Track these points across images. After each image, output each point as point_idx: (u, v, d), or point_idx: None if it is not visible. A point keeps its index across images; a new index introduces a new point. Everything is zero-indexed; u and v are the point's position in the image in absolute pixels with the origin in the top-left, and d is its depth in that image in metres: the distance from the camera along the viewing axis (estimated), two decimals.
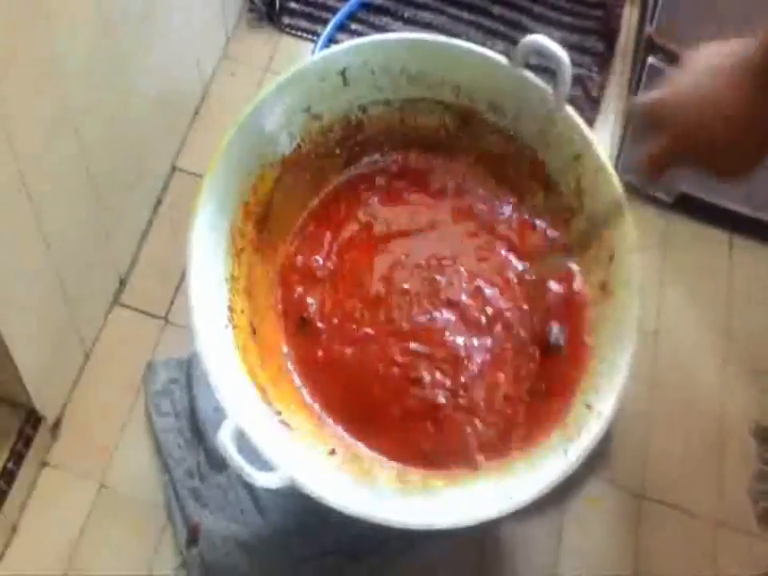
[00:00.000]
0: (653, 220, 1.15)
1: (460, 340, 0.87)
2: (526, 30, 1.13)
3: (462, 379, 0.86)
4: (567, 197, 0.88)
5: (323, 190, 0.94)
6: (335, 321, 0.88)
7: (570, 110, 0.86)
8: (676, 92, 0.59)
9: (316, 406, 0.84)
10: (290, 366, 0.86)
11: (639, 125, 0.63)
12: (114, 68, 0.89)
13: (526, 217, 0.92)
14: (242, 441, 0.71)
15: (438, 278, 0.90)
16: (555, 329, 0.85)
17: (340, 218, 0.93)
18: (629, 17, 1.29)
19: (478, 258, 0.91)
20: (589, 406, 0.79)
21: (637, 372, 0.79)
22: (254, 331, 0.85)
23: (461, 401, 0.86)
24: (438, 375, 0.86)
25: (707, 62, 0.58)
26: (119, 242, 1.04)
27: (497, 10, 1.28)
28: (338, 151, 0.94)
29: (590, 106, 1.21)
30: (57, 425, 0.98)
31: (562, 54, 0.81)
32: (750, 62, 0.55)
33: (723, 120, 0.56)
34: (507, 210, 0.93)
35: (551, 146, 0.89)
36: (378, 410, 0.85)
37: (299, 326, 0.88)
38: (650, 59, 1.06)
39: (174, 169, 1.13)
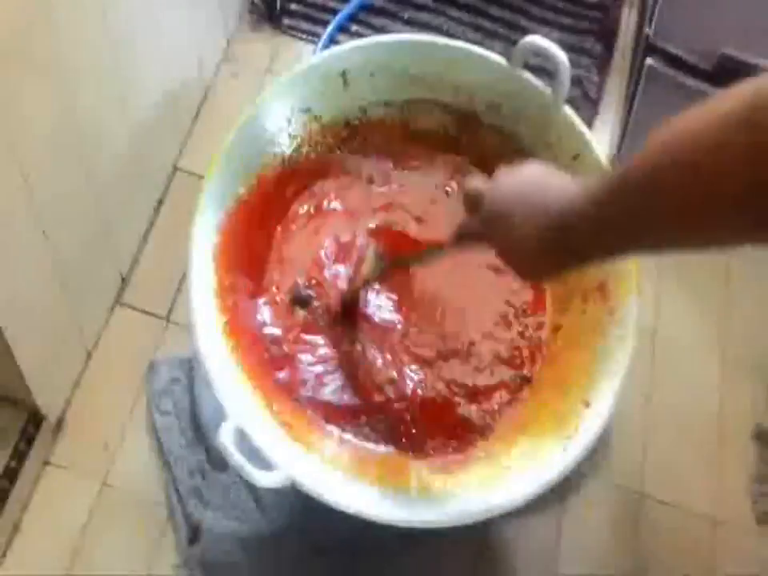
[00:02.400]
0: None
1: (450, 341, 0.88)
2: (525, 32, 1.13)
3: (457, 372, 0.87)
4: None
5: (323, 191, 0.95)
6: None
7: (568, 110, 0.86)
8: (502, 193, 0.62)
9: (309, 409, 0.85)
10: None
11: (463, 202, 0.67)
12: (116, 68, 0.89)
13: None
14: (243, 440, 0.71)
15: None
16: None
17: (339, 219, 0.94)
18: (627, 18, 1.29)
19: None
20: (588, 405, 0.79)
21: (636, 371, 0.79)
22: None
23: (457, 397, 0.86)
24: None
25: (526, 186, 0.60)
26: (121, 242, 1.04)
27: (496, 11, 1.28)
28: (338, 152, 0.95)
29: (588, 107, 1.21)
30: (59, 424, 0.98)
31: (561, 55, 0.82)
32: (555, 218, 0.56)
33: (527, 243, 0.59)
34: None
35: (550, 146, 0.89)
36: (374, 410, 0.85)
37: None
38: (649, 60, 1.06)
39: (175, 169, 1.13)
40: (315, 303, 0.88)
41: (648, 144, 0.48)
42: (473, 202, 0.64)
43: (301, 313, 0.88)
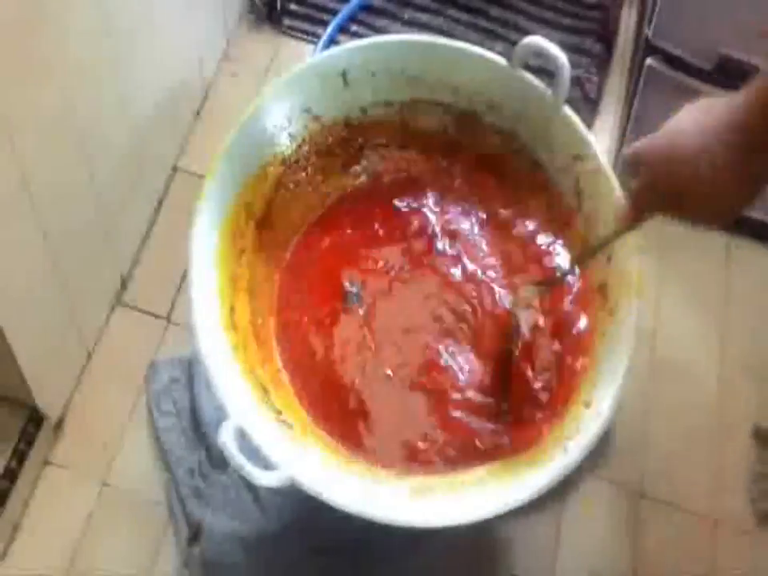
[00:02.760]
0: (651, 221, 1.15)
1: (449, 348, 0.88)
2: (525, 32, 1.13)
3: (458, 377, 0.87)
4: (566, 197, 0.89)
5: (323, 191, 0.95)
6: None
7: (568, 111, 0.86)
8: (657, 143, 0.61)
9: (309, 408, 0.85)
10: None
11: (624, 170, 0.66)
12: (115, 69, 0.89)
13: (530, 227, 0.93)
14: (243, 440, 0.71)
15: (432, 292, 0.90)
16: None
17: (340, 221, 0.94)
18: (627, 18, 1.29)
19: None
20: (588, 405, 0.79)
21: (636, 372, 0.79)
22: (255, 331, 0.85)
23: (457, 398, 0.86)
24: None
25: (695, 117, 0.59)
26: (121, 242, 1.04)
27: (495, 11, 1.28)
28: (338, 152, 0.95)
29: (588, 108, 1.21)
30: (59, 424, 0.98)
31: (561, 56, 0.82)
32: (736, 122, 0.56)
33: (706, 173, 0.57)
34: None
35: (550, 146, 0.89)
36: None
37: None
38: (649, 61, 1.06)
39: (175, 169, 1.13)
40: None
41: None
42: (636, 160, 0.62)
43: (356, 309, 0.87)
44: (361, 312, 0.88)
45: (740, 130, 0.55)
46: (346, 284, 0.89)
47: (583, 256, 0.85)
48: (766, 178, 0.58)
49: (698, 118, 0.58)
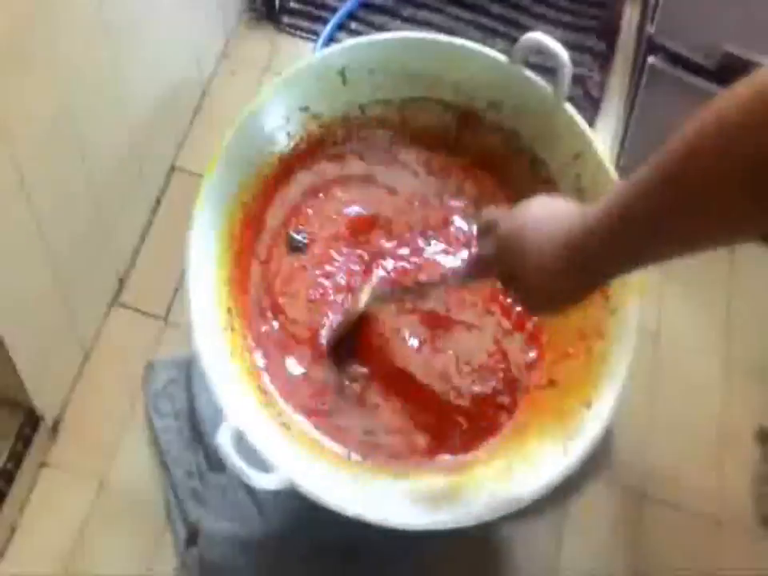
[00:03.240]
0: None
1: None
2: (526, 29, 1.12)
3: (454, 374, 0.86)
4: (567, 195, 0.88)
5: (322, 190, 0.94)
6: None
7: (570, 108, 0.86)
8: (511, 224, 0.62)
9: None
10: None
11: (479, 229, 0.69)
12: (114, 67, 0.89)
13: None
14: (241, 442, 0.71)
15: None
16: None
17: (336, 219, 0.93)
18: (629, 16, 1.29)
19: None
20: (589, 407, 0.79)
21: (637, 372, 0.79)
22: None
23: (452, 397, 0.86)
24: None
25: (551, 214, 0.61)
26: (118, 242, 1.04)
27: (496, 8, 1.28)
28: (337, 151, 0.94)
29: (590, 106, 1.20)
30: (56, 425, 0.97)
31: (562, 53, 0.81)
32: (569, 236, 0.57)
33: (537, 272, 0.59)
34: None
35: (551, 144, 0.88)
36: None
37: None
38: (651, 58, 1.06)
39: (173, 168, 1.13)
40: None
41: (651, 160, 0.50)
42: (487, 228, 0.65)
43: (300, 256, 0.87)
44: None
45: (577, 250, 0.56)
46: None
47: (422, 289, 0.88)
48: (589, 292, 0.60)
49: (552, 218, 0.60)
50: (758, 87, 0.43)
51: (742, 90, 0.44)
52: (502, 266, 0.64)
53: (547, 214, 0.60)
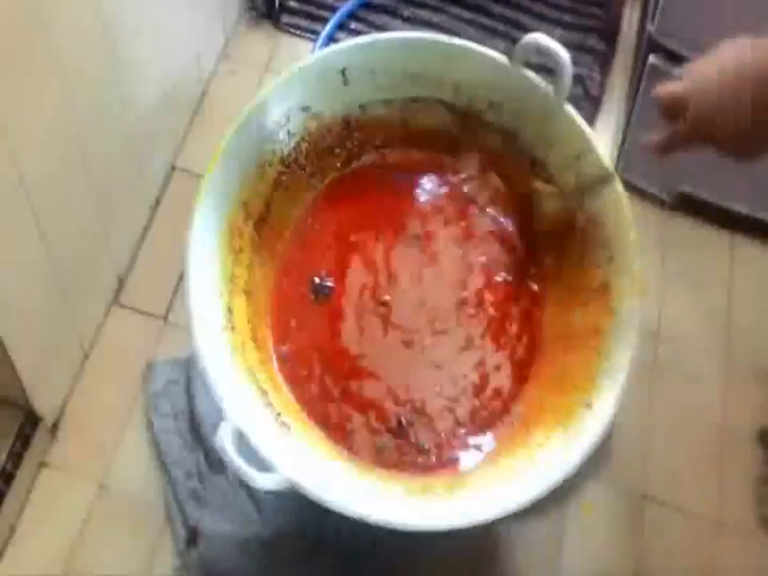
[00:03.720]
0: (653, 220, 1.15)
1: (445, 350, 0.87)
2: (527, 29, 1.13)
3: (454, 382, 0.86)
4: (567, 196, 0.88)
5: (322, 191, 0.94)
6: None
7: (570, 108, 0.86)
8: (700, 79, 0.64)
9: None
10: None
11: (660, 110, 0.68)
12: (113, 67, 0.89)
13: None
14: (241, 442, 0.71)
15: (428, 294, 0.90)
16: None
17: (338, 220, 0.93)
18: (630, 16, 1.29)
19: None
20: (589, 407, 0.78)
21: (637, 372, 0.79)
22: (253, 332, 0.85)
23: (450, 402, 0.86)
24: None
25: (734, 57, 0.62)
26: (118, 242, 1.04)
27: (497, 8, 1.28)
28: (337, 150, 0.94)
29: (590, 105, 1.20)
30: (55, 426, 0.97)
31: (563, 53, 0.81)
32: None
33: (744, 111, 0.60)
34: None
35: (551, 145, 0.88)
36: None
37: None
38: (651, 58, 1.06)
39: (173, 168, 1.13)
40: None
41: None
42: (675, 108, 0.64)
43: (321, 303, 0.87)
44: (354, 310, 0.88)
45: None
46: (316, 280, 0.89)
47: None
48: None
49: (739, 58, 0.62)
50: None
51: None
52: (705, 134, 0.63)
53: (736, 67, 0.61)
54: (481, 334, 0.89)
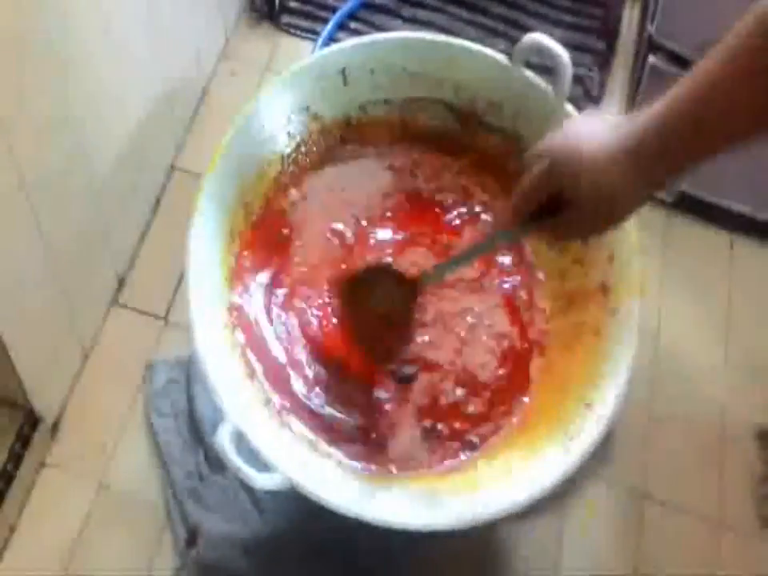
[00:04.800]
0: (653, 220, 1.15)
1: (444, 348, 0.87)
2: (527, 29, 1.12)
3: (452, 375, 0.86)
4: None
5: (323, 191, 0.94)
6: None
7: (570, 108, 0.86)
8: (562, 136, 0.65)
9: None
10: None
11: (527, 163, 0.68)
12: (113, 67, 0.89)
13: None
14: (241, 442, 0.71)
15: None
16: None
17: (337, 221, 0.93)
18: (629, 16, 1.29)
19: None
20: (589, 407, 0.79)
21: (637, 372, 0.79)
22: None
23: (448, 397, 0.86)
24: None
25: (587, 128, 0.64)
26: (118, 242, 1.04)
27: (497, 8, 1.28)
28: (337, 150, 0.94)
29: (590, 105, 1.20)
30: (55, 425, 0.97)
31: (563, 53, 0.81)
32: (624, 144, 0.60)
33: (603, 163, 0.61)
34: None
35: None
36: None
37: None
38: (651, 58, 1.06)
39: (173, 168, 1.13)
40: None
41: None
42: (537, 158, 0.66)
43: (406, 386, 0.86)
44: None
45: (632, 151, 0.60)
46: None
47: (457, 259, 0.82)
48: (642, 200, 0.63)
49: (602, 128, 0.63)
50: None
51: None
52: (554, 186, 0.64)
53: (596, 127, 0.63)
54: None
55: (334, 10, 1.25)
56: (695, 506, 1.00)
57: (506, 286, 0.91)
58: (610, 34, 1.27)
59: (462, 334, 0.88)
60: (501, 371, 0.87)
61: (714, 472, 1.03)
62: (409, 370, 0.86)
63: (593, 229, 0.66)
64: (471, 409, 0.85)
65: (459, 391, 0.86)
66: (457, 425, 0.85)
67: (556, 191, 0.64)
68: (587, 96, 1.21)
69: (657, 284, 1.11)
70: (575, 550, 0.97)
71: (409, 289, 0.80)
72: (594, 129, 0.63)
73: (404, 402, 0.85)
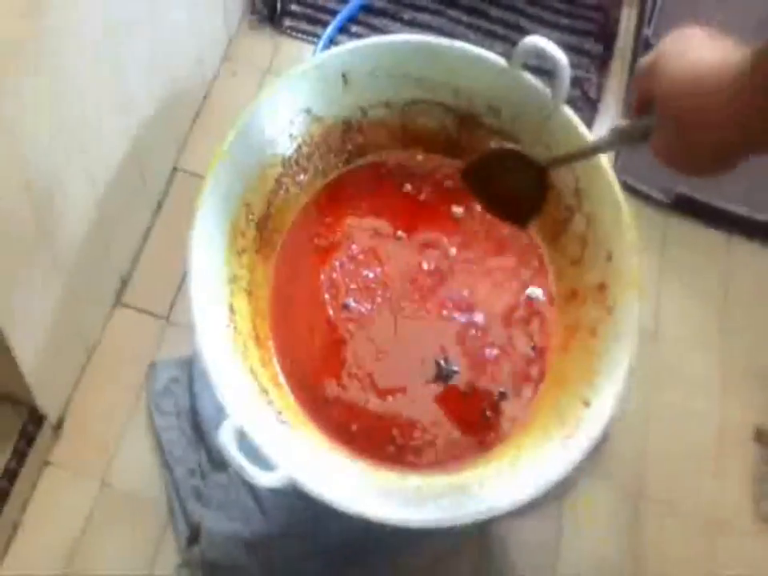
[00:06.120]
0: (651, 220, 1.15)
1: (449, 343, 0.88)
2: (525, 32, 1.12)
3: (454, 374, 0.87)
4: (565, 197, 0.89)
5: (323, 192, 0.95)
6: None
7: (568, 111, 0.86)
8: (664, 97, 0.61)
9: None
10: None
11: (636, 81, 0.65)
12: (115, 69, 0.89)
13: None
14: (243, 440, 0.71)
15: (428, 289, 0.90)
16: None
17: (338, 221, 0.94)
18: (627, 19, 1.29)
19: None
20: (588, 405, 0.79)
21: (636, 372, 0.79)
22: (255, 332, 0.85)
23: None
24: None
25: (698, 53, 0.62)
26: (121, 243, 1.04)
27: (495, 12, 1.28)
28: (338, 152, 0.95)
29: (588, 108, 1.21)
30: (59, 424, 0.98)
31: (561, 56, 0.81)
32: (741, 78, 0.56)
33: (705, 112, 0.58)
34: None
35: (549, 147, 0.88)
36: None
37: None
38: None
39: (175, 170, 1.13)
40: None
41: None
42: (644, 104, 0.63)
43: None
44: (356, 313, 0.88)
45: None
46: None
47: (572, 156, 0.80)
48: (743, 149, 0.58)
49: (703, 56, 0.61)
50: None
51: None
52: (663, 135, 0.61)
53: (703, 72, 0.60)
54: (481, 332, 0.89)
55: (334, 13, 1.26)
56: (693, 506, 1.01)
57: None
58: (608, 37, 1.27)
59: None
60: (501, 371, 0.88)
61: (712, 471, 1.03)
62: (451, 366, 0.86)
63: (694, 164, 0.61)
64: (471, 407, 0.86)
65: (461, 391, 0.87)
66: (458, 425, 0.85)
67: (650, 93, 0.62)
68: (585, 98, 1.22)
69: (655, 284, 1.12)
70: (573, 549, 0.97)
71: (536, 174, 0.76)
72: (707, 43, 0.61)
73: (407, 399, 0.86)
